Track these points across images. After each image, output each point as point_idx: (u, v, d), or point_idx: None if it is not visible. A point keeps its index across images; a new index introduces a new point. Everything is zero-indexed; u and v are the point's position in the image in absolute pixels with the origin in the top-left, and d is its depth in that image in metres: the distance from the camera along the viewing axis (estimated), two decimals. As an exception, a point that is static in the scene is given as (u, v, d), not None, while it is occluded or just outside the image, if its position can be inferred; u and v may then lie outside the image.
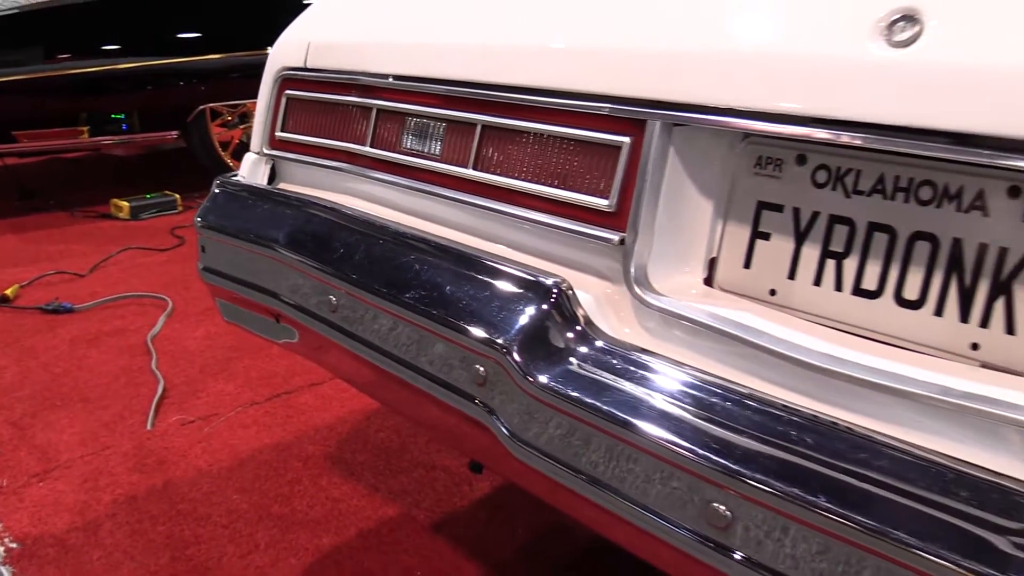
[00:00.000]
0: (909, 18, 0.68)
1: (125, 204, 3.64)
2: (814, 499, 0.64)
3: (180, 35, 3.82)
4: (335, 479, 1.66)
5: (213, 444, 1.79)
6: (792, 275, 0.81)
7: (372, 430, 1.83)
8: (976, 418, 0.64)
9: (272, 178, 1.39)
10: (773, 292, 0.83)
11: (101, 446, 1.80)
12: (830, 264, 0.79)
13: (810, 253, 0.80)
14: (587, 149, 0.89)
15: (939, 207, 0.72)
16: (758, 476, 0.66)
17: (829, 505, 0.63)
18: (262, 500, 1.59)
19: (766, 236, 0.83)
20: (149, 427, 1.87)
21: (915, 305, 0.73)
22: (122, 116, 3.72)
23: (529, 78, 0.94)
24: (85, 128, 3.57)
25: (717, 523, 0.69)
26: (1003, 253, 0.69)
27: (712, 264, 0.88)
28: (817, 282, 0.80)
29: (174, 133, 3.87)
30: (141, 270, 2.94)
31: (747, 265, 0.85)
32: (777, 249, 0.82)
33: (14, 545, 1.47)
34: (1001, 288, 0.69)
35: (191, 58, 3.77)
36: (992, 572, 0.55)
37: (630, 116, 0.85)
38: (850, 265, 0.77)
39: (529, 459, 0.85)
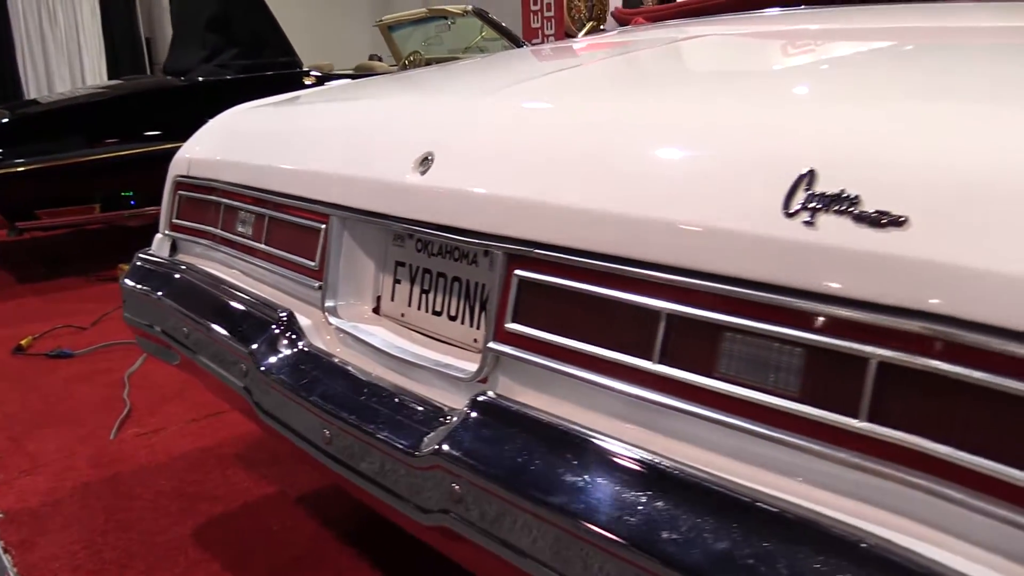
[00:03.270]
0: (428, 158, 1.24)
1: (131, 268, 4.31)
2: (365, 426, 1.18)
3: (179, 123, 4.50)
4: (237, 470, 2.22)
5: (156, 449, 2.38)
6: (410, 304, 1.37)
7: (277, 437, 2.40)
8: (455, 376, 1.19)
9: (174, 251, 1.98)
10: (403, 315, 1.38)
11: (72, 452, 2.39)
12: (424, 297, 1.34)
13: (416, 291, 1.36)
14: (306, 231, 1.47)
15: (460, 262, 1.28)
16: (339, 414, 1.21)
17: (369, 427, 1.18)
18: (181, 484, 2.17)
19: (399, 281, 1.39)
20: (112, 437, 2.47)
21: (454, 319, 1.28)
22: (131, 193, 4.41)
23: (280, 187, 1.52)
24: (97, 205, 4.26)
25: (326, 439, 1.24)
26: (482, 287, 1.24)
27: (378, 299, 1.44)
28: (419, 308, 1.35)
29: (175, 206, 4.52)
30: (134, 322, 3.56)
31: (392, 299, 1.41)
32: (404, 289, 1.38)
33: (1, 515, 2.07)
34: (484, 305, 1.24)
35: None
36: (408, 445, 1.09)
37: (324, 212, 1.42)
38: (431, 296, 1.33)
39: (266, 420, 1.41)
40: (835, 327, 0.78)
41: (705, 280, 0.86)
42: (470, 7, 5.08)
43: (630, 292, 0.93)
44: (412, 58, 5.64)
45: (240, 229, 1.70)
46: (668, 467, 0.87)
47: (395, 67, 5.73)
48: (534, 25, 7.28)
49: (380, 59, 7.00)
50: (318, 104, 1.73)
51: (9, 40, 9.38)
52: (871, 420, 0.76)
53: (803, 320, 0.80)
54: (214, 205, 1.79)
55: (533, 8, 7.22)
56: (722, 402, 0.85)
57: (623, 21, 2.20)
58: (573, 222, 0.99)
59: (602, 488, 0.90)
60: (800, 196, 0.81)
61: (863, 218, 0.76)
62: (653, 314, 0.91)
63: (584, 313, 0.99)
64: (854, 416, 0.76)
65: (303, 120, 1.68)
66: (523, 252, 1.05)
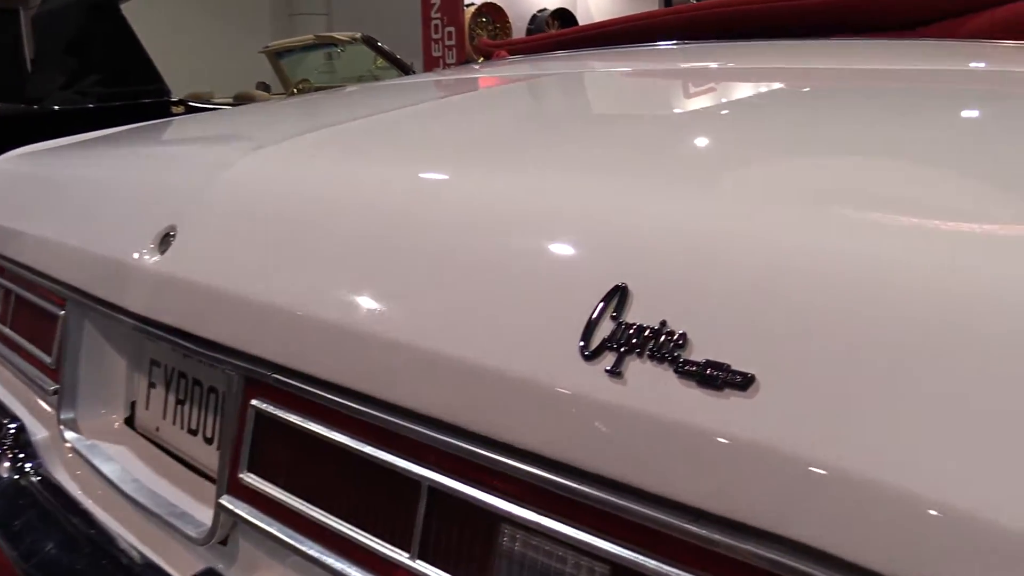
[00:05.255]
0: (169, 234, 0.93)
1: None
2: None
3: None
4: None
5: None
6: (164, 416, 1.05)
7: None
8: (188, 535, 0.88)
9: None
10: (158, 429, 1.07)
11: None
12: (179, 408, 1.03)
13: (171, 399, 1.04)
14: (43, 316, 1.14)
15: (216, 369, 0.97)
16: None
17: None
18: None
19: (154, 385, 1.08)
20: None
21: (210, 442, 0.97)
22: None
23: (21, 256, 1.19)
24: None
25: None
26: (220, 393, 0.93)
27: (133, 406, 1.12)
28: (174, 422, 1.04)
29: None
30: None
31: (147, 407, 1.09)
32: (159, 396, 1.06)
33: None
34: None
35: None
36: None
37: (61, 294, 1.10)
38: (185, 409, 1.02)
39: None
40: (652, 541, 0.51)
41: (476, 445, 0.58)
42: (359, 35, 4.79)
43: (387, 450, 0.65)
44: (301, 86, 5.31)
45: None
46: None
47: (282, 95, 5.39)
48: (435, 53, 7.01)
49: (268, 87, 6.64)
50: (87, 153, 1.40)
51: None
52: None
53: (610, 524, 0.53)
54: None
55: (435, 36, 6.96)
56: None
57: (486, 54, 1.94)
58: (319, 342, 0.70)
59: None
60: (605, 327, 0.53)
61: (688, 372, 0.49)
62: (414, 486, 0.63)
63: (335, 472, 0.71)
64: None
65: (64, 172, 1.35)
66: (262, 376, 0.76)
